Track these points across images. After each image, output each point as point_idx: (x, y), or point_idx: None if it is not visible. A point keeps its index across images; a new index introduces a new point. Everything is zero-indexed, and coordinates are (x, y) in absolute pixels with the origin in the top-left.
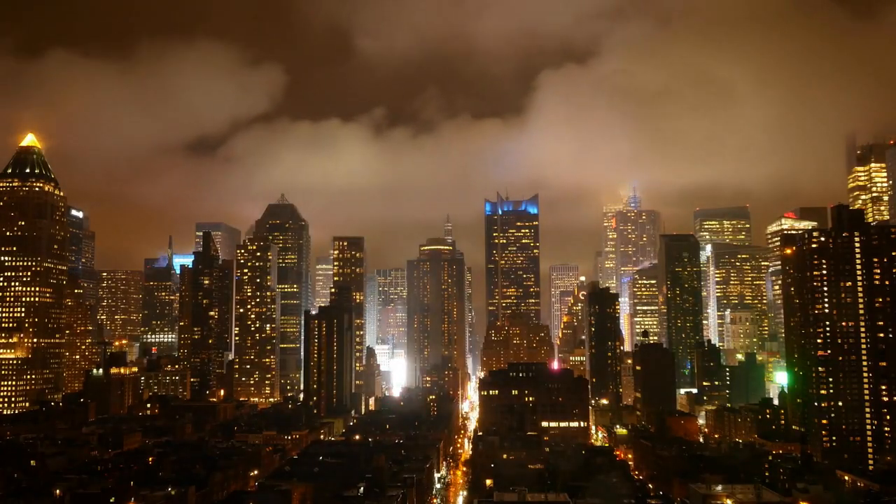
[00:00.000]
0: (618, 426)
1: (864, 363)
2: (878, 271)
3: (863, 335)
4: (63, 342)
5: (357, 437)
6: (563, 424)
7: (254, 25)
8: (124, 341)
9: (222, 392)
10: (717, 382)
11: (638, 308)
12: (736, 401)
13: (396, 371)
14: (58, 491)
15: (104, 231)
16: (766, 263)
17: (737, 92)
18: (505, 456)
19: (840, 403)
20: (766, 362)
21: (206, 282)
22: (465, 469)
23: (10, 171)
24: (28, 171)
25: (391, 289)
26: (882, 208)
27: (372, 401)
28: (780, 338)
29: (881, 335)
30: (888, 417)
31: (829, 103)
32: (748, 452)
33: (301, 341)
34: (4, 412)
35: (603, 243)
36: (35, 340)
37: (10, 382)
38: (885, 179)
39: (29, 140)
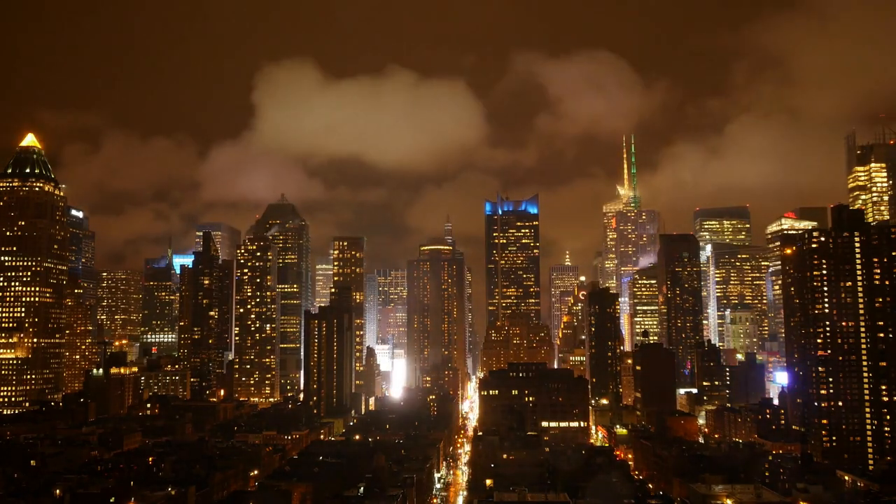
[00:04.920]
0: (618, 426)
1: (864, 363)
2: (878, 271)
3: (863, 335)
4: (63, 342)
5: (357, 437)
6: (563, 424)
7: None
8: (124, 341)
9: (222, 392)
10: (717, 382)
11: (638, 308)
12: (736, 401)
13: (396, 371)
14: (58, 491)
15: None
16: (766, 263)
17: None
18: (505, 456)
19: (840, 403)
20: (766, 362)
21: (206, 282)
22: (465, 469)
23: (10, 171)
24: (28, 171)
25: (391, 289)
26: (882, 208)
27: (372, 401)
28: (780, 338)
29: (881, 335)
30: (888, 417)
31: None
32: (748, 452)
33: (301, 341)
34: (4, 412)
35: (603, 243)
36: (35, 340)
37: (10, 382)
38: (885, 179)
39: (29, 140)
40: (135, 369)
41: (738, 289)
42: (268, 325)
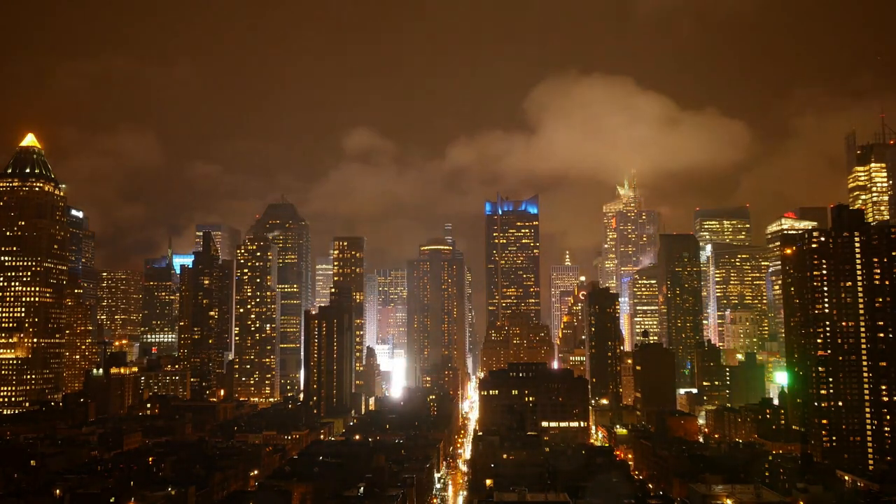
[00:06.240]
0: (618, 426)
1: (864, 363)
2: (878, 271)
3: (863, 335)
4: (63, 342)
5: (357, 437)
6: (563, 424)
7: None
8: (124, 341)
9: (222, 392)
10: (717, 382)
11: (638, 308)
12: (736, 401)
13: (396, 371)
14: (58, 491)
15: None
16: (766, 263)
17: None
18: (505, 456)
19: (840, 403)
20: (766, 362)
21: (206, 282)
22: (465, 469)
23: (10, 171)
24: (28, 171)
25: (391, 289)
26: (882, 208)
27: (372, 401)
28: (780, 338)
29: (881, 335)
30: (888, 417)
31: None
32: (748, 452)
33: (301, 341)
34: (4, 412)
35: (603, 243)
36: (35, 340)
37: (10, 382)
38: (885, 179)
39: (29, 140)
40: (135, 369)
41: (738, 289)
42: (268, 325)
